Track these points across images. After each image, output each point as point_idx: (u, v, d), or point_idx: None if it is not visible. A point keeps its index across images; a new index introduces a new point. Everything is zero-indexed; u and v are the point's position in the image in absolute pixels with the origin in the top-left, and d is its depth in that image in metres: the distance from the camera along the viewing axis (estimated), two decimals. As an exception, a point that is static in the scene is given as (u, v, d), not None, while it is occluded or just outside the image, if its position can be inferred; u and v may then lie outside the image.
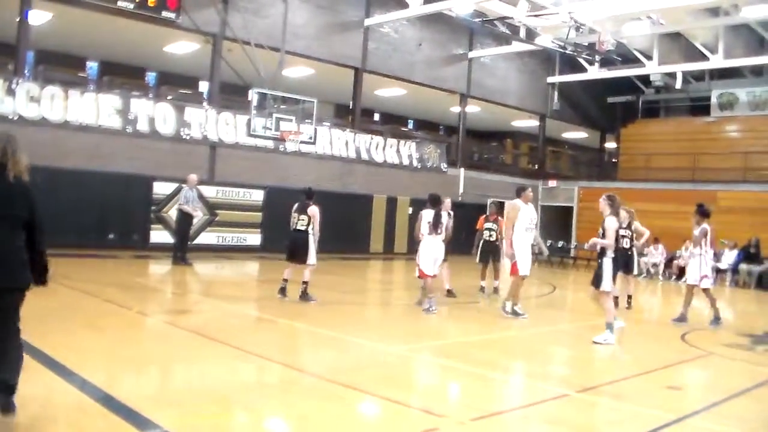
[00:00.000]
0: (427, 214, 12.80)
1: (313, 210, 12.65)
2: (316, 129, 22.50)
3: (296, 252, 12.67)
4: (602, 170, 37.49)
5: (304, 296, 12.61)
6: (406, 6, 25.67)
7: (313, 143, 22.91)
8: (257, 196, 22.96)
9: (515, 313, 12.35)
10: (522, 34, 28.12)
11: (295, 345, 9.30)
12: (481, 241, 15.75)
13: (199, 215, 18.79)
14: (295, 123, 21.31)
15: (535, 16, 26.03)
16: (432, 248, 12.64)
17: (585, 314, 13.10)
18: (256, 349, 8.51)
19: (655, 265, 24.33)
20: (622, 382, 8.28)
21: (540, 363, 9.51)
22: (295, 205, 12.81)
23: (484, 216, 16.44)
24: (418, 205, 27.29)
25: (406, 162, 27.95)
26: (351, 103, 27.81)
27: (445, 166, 29.54)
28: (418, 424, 5.86)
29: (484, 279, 15.97)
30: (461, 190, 29.27)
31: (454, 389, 7.65)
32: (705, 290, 13.03)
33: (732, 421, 6.75)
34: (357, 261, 14.52)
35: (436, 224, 12.66)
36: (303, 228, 12.61)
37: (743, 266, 23.16)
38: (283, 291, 12.72)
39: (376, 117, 37.56)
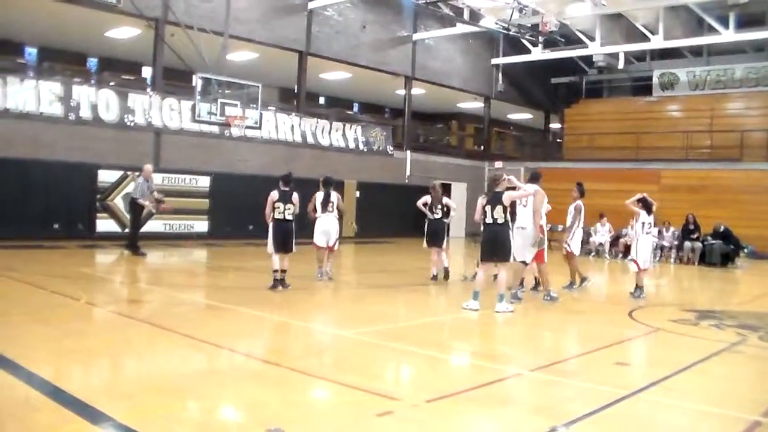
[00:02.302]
0: (319, 196, 14.19)
1: (296, 197, 12.59)
2: (261, 114, 22.29)
3: (287, 242, 12.53)
4: (547, 150, 37.85)
5: (284, 284, 12.50)
6: (349, -13, 25.63)
7: (259, 128, 22.72)
8: (203, 182, 22.74)
9: (552, 298, 12.52)
10: (466, 15, 28.22)
11: (246, 332, 9.23)
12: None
13: (151, 209, 18.53)
14: (240, 108, 21.06)
15: (480, -3, 26.15)
16: (323, 224, 14.09)
17: (534, 294, 13.23)
18: (207, 336, 8.44)
19: (601, 244, 24.66)
20: (573, 359, 8.41)
21: (492, 344, 9.65)
22: (275, 194, 12.46)
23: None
24: (365, 188, 27.41)
25: (352, 145, 27.92)
26: (296, 87, 27.65)
27: (391, 148, 29.58)
28: (372, 408, 5.86)
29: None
30: (408, 173, 29.29)
31: (407, 372, 7.70)
32: (567, 255, 14.12)
33: (679, 394, 6.90)
34: (304, 246, 14.42)
35: (325, 203, 14.07)
36: (291, 218, 12.51)
37: (687, 243, 23.59)
38: (281, 282, 12.43)
39: (322, 101, 37.40)
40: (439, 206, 15.16)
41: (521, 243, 12.24)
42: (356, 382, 6.61)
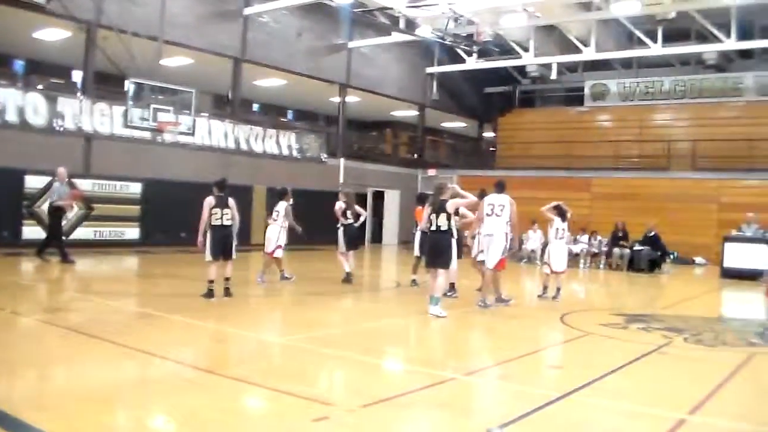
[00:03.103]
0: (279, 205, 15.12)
1: (233, 202, 12.42)
2: (194, 120, 22.12)
3: (225, 248, 12.31)
4: (480, 159, 38.20)
5: (229, 292, 12.34)
6: (285, -5, 25.60)
7: (192, 134, 22.52)
8: (135, 188, 22.41)
9: (486, 305, 12.60)
10: (402, 24, 28.41)
11: (179, 339, 9.12)
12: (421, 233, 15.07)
13: (73, 209, 18.18)
14: (173, 114, 20.88)
15: (415, 6, 26.34)
16: (267, 232, 15.12)
17: (469, 300, 13.35)
18: (139, 345, 8.30)
19: (533, 250, 24.96)
20: (506, 363, 8.49)
21: (426, 349, 9.72)
22: (212, 200, 12.18)
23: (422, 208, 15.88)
24: (299, 196, 27.19)
25: (286, 152, 27.84)
26: (230, 93, 27.46)
27: (325, 156, 29.58)
28: (308, 414, 5.84)
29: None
30: (341, 180, 29.32)
31: (342, 378, 7.69)
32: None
33: (610, 395, 7.07)
34: (237, 253, 14.42)
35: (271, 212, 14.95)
36: (229, 223, 12.29)
37: (616, 250, 24.04)
38: (212, 293, 12.15)
39: (256, 107, 37.18)
40: (350, 212, 15.60)
41: (487, 248, 12.64)
42: (291, 388, 6.58)
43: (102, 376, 7.09)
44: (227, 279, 12.35)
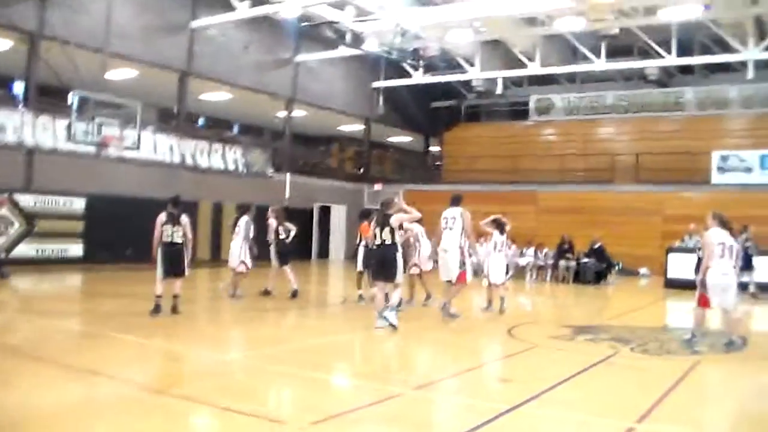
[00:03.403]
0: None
1: (185, 219, 12.34)
2: (139, 134, 21.82)
3: (175, 265, 12.18)
4: (426, 173, 38.31)
5: (176, 310, 12.18)
6: (232, 9, 25.42)
7: (137, 149, 22.17)
8: (78, 204, 22.02)
9: (453, 316, 12.80)
10: (348, 38, 28.47)
11: (127, 359, 8.94)
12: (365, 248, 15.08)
13: None
14: (118, 128, 20.59)
15: (362, 21, 26.41)
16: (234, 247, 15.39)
17: (418, 314, 13.37)
18: (84, 365, 8.14)
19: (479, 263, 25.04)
20: (455, 377, 8.52)
21: (375, 363, 9.71)
22: (163, 216, 12.17)
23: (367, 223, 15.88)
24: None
25: (231, 167, 27.62)
26: (176, 107, 27.19)
27: (271, 171, 29.40)
28: (259, 432, 5.80)
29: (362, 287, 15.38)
30: (287, 195, 29.20)
31: (292, 394, 7.63)
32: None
33: (559, 406, 7.14)
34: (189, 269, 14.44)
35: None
36: (180, 240, 12.19)
37: (562, 262, 24.30)
38: (158, 309, 12.03)
39: (201, 121, 36.85)
40: (282, 228, 15.81)
41: (444, 264, 12.83)
42: (242, 407, 6.51)
43: (43, 399, 6.85)
44: (176, 296, 12.21)
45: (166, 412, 6.44)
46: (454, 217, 12.80)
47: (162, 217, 12.18)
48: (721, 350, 10.37)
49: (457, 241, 12.71)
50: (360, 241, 15.25)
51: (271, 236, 15.82)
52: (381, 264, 11.74)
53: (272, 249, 15.84)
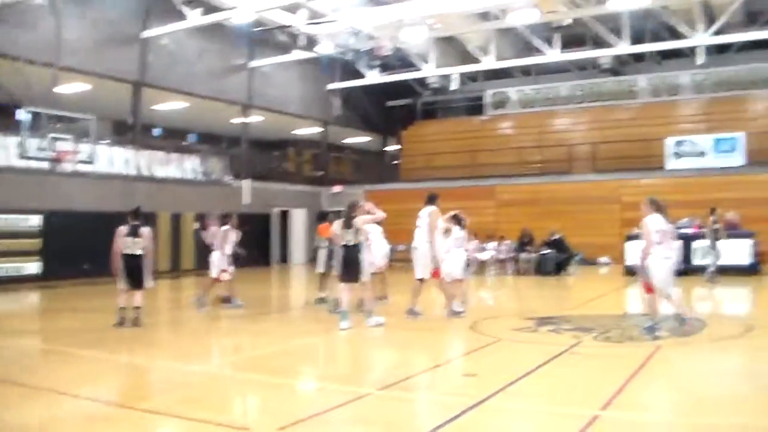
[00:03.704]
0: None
1: (146, 231, 12.35)
2: (95, 147, 21.61)
3: (136, 277, 12.18)
4: (385, 172, 38.30)
5: (138, 322, 12.13)
6: (184, 17, 25.24)
7: (92, 163, 21.95)
8: (34, 221, 21.69)
9: (455, 313, 13.02)
10: (302, 42, 28.41)
11: (90, 375, 8.85)
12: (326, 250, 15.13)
13: None
14: (72, 142, 20.36)
15: (315, 24, 26.37)
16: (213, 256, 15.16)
17: (385, 314, 13.39)
18: (46, 384, 8.03)
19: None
20: (420, 375, 8.55)
21: (341, 365, 9.76)
22: (124, 229, 12.17)
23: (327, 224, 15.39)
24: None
25: (189, 176, 27.42)
26: (131, 118, 26.91)
27: (229, 177, 29.23)
28: (226, 441, 5.79)
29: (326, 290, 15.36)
30: (247, 202, 29.10)
31: (258, 401, 7.62)
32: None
33: (524, 398, 7.24)
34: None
35: None
36: (140, 252, 12.20)
37: (523, 254, 24.47)
38: (133, 321, 12.08)
39: (157, 132, 36.49)
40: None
41: (416, 262, 13.05)
42: (208, 416, 6.50)
43: (4, 421, 6.70)
44: (137, 308, 12.19)
45: (134, 426, 6.40)
46: (421, 217, 13.04)
47: (122, 229, 12.17)
48: (680, 334, 10.52)
49: (424, 239, 12.93)
50: (319, 243, 15.28)
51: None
52: (345, 265, 11.97)
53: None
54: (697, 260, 21.07)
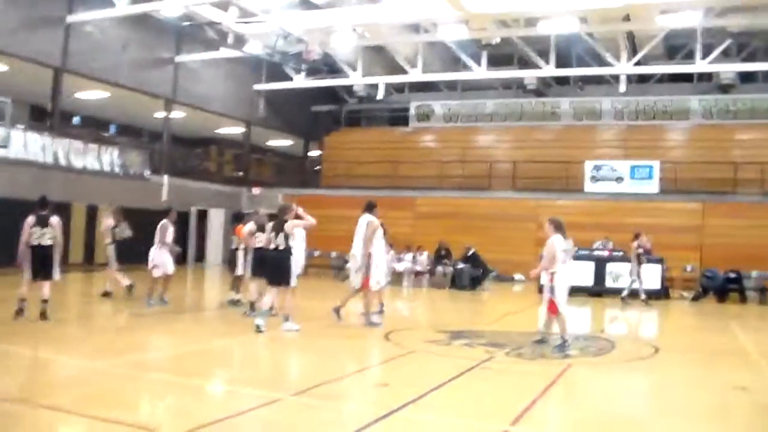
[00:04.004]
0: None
1: (55, 220, 12.10)
2: (9, 132, 21.01)
3: (44, 268, 11.91)
4: (306, 177, 38.20)
5: (45, 316, 11.78)
6: (112, 5, 24.73)
7: (6, 147, 21.35)
8: (-60, 204, 20.95)
9: (372, 323, 12.98)
10: (230, 40, 28.15)
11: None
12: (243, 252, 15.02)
13: None
14: (-15, 125, 19.77)
15: (245, 22, 26.18)
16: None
17: (300, 320, 13.32)
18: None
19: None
20: (333, 383, 8.49)
21: (254, 369, 9.66)
22: (32, 218, 11.90)
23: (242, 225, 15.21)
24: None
25: (107, 168, 26.83)
26: (50, 104, 26.24)
27: (148, 172, 28.73)
28: (130, 441, 5.64)
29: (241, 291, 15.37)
30: (164, 197, 28.64)
31: (166, 402, 7.45)
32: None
33: (435, 410, 7.27)
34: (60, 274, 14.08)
35: None
36: (49, 243, 11.94)
37: (439, 268, 24.64)
38: (21, 312, 11.73)
39: (76, 120, 35.69)
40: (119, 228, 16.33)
41: (351, 270, 13.45)
42: (113, 415, 6.34)
43: None
44: (45, 301, 11.83)
45: (33, 422, 6.19)
46: (360, 224, 13.19)
47: (31, 219, 11.91)
48: (590, 354, 10.72)
49: (359, 247, 13.07)
50: (238, 244, 15.12)
51: (108, 237, 16.12)
52: (275, 269, 12.05)
53: (111, 249, 16.02)
54: (609, 283, 21.53)
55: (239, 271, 14.99)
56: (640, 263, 19.76)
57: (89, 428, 6.18)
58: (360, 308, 13.51)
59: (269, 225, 12.66)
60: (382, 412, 6.79)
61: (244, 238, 14.17)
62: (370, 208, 13.40)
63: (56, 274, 12.19)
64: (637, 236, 20.04)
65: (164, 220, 15.16)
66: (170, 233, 15.13)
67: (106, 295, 15.76)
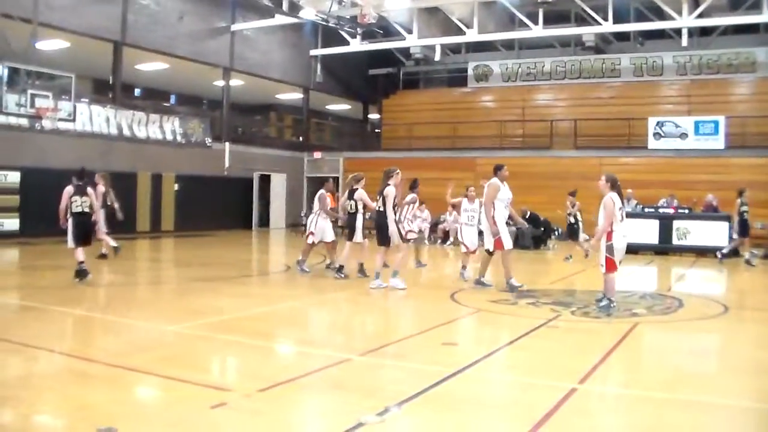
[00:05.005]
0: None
1: (91, 190, 12.99)
2: (75, 105, 21.43)
3: (87, 235, 12.96)
4: (366, 141, 38.29)
5: (84, 274, 12.62)
6: (166, -23, 24.95)
7: (73, 120, 21.80)
8: (13, 178, 21.56)
9: (512, 287, 12.86)
10: (285, 7, 28.20)
11: (69, 332, 8.86)
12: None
13: None
14: (52, 99, 20.15)
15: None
16: None
17: (358, 281, 13.44)
18: (25, 339, 7.97)
19: (421, 230, 25.14)
20: (400, 342, 8.59)
21: (321, 331, 9.80)
22: (70, 188, 12.67)
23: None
24: (184, 181, 26.77)
25: (170, 138, 27.26)
26: (111, 78, 26.66)
27: (210, 140, 29.10)
28: (205, 401, 5.77)
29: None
30: (227, 165, 28.98)
31: (237, 363, 7.63)
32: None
33: (503, 368, 7.37)
34: (124, 240, 14.29)
35: None
36: (88, 210, 12.83)
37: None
38: (83, 273, 12.55)
39: (138, 92, 36.20)
40: (109, 198, 16.57)
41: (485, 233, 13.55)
42: (187, 376, 6.50)
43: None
44: (81, 263, 12.64)
45: (111, 383, 6.37)
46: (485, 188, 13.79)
47: (69, 189, 12.72)
48: (657, 312, 10.63)
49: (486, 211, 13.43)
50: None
51: (99, 201, 15.96)
52: (378, 231, 12.89)
53: (102, 213, 16.05)
54: (675, 240, 21.22)
55: (358, 237, 14.07)
56: (744, 220, 18.95)
57: (166, 388, 6.33)
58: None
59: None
60: (450, 370, 6.83)
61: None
62: (496, 169, 13.94)
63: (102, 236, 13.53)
64: (740, 193, 19.03)
65: (321, 190, 15.34)
66: (328, 202, 15.35)
67: (102, 257, 16.15)
